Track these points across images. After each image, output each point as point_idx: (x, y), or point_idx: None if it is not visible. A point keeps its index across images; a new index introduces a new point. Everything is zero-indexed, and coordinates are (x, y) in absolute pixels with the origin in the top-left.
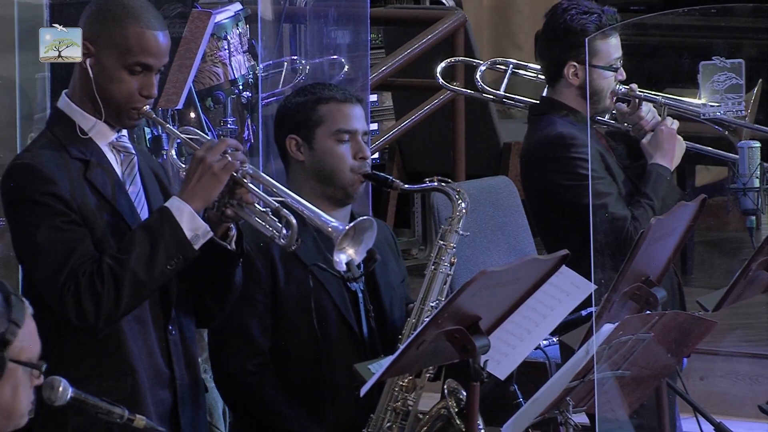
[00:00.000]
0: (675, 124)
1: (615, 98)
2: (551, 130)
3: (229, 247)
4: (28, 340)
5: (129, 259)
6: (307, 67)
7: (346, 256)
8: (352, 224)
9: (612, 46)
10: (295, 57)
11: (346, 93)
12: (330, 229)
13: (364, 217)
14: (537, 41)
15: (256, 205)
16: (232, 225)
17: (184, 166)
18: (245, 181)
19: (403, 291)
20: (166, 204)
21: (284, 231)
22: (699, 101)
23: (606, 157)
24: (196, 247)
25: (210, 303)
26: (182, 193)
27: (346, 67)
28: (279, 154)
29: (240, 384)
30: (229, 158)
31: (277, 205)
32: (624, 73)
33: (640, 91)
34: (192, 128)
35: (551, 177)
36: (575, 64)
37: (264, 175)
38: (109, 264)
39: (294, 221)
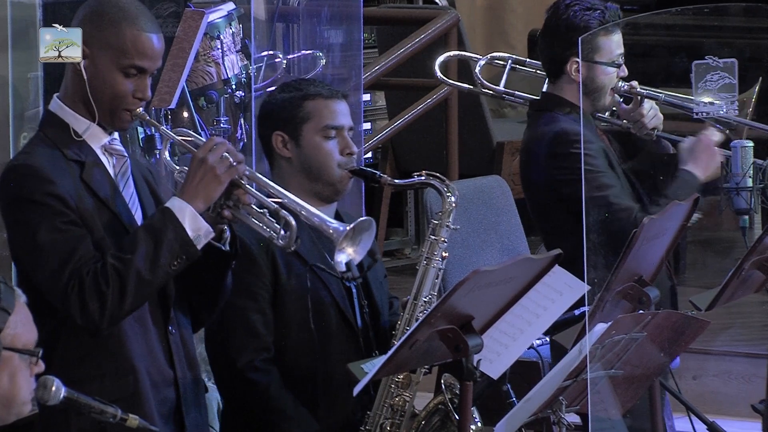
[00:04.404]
0: (717, 137)
1: (617, 96)
2: (554, 126)
3: (223, 248)
4: (21, 327)
5: (133, 258)
6: (284, 63)
7: (346, 255)
8: (351, 225)
9: (614, 43)
10: (273, 52)
11: (332, 89)
12: (331, 230)
13: (363, 218)
14: (539, 37)
15: (253, 206)
16: (226, 227)
17: (178, 167)
18: (242, 182)
19: (386, 286)
20: (167, 204)
21: (282, 232)
22: (701, 100)
23: (608, 154)
24: (199, 247)
25: (200, 307)
26: (183, 194)
27: (323, 61)
28: (263, 150)
29: (246, 380)
30: (231, 159)
31: (275, 206)
32: (626, 70)
33: (641, 89)
34: (185, 129)
35: (553, 173)
36: (578, 60)
37: (260, 176)
38: (112, 263)
39: (293, 222)
